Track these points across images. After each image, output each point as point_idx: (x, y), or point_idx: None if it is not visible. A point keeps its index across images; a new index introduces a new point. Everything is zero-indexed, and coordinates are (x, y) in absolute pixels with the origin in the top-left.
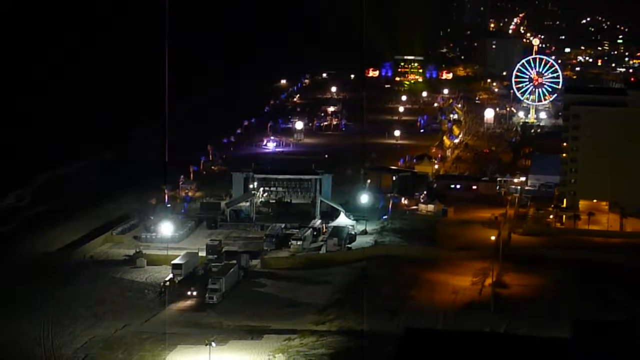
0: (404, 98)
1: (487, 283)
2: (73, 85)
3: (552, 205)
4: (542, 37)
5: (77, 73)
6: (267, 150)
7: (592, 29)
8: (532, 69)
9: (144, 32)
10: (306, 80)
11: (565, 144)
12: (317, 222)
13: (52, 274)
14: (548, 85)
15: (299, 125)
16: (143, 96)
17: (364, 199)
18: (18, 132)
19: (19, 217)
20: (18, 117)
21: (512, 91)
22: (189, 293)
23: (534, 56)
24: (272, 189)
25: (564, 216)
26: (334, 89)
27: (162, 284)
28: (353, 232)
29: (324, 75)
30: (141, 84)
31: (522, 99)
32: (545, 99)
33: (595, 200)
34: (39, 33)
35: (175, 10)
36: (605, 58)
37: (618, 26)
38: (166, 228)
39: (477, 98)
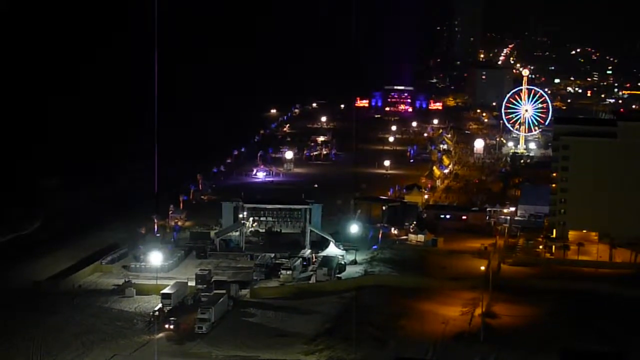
0: (393, 128)
1: (477, 313)
2: (67, 109)
3: (542, 236)
4: (532, 67)
5: (70, 98)
6: (257, 180)
7: (582, 60)
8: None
9: (133, 55)
10: (296, 110)
11: (554, 174)
12: (307, 252)
13: (42, 302)
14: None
15: (289, 154)
16: (130, 125)
17: (354, 228)
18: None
19: (11, 246)
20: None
21: (501, 121)
22: (166, 325)
23: (523, 87)
24: (261, 218)
25: (553, 246)
26: (324, 118)
27: (151, 313)
28: (343, 262)
29: (314, 105)
30: (129, 112)
31: (511, 129)
32: (534, 130)
33: (584, 231)
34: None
35: (163, 39)
36: (595, 89)
37: (607, 57)
38: (155, 257)
39: (467, 128)
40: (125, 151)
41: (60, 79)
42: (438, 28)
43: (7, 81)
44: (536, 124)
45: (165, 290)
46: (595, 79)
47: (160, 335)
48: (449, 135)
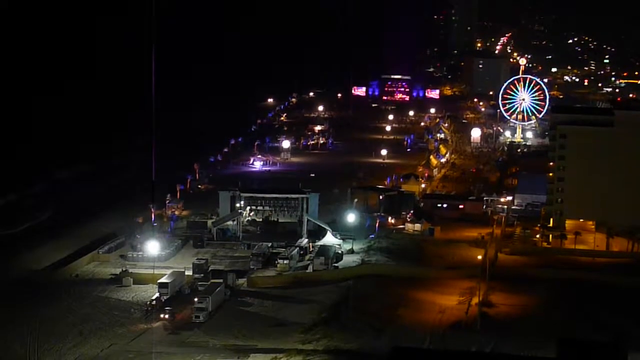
0: (390, 117)
1: (474, 302)
2: (67, 99)
3: (539, 225)
4: (529, 56)
5: (70, 87)
6: (254, 169)
7: (579, 49)
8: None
9: (131, 45)
10: (293, 99)
11: (551, 163)
12: (304, 241)
13: (39, 292)
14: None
15: (286, 144)
16: (127, 114)
17: (351, 218)
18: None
19: (6, 235)
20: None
21: (498, 110)
22: (161, 315)
23: (520, 76)
24: (258, 207)
25: (550, 235)
26: (321, 107)
27: (148, 302)
28: (340, 251)
29: (311, 94)
30: (126, 102)
31: (508, 118)
32: (531, 119)
33: (581, 220)
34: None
35: (163, 28)
36: (592, 78)
37: (604, 46)
38: (152, 247)
39: (463, 117)
40: (127, 144)
41: (65, 74)
42: (435, 17)
43: (13, 77)
44: (533, 113)
45: (162, 280)
46: (592, 67)
47: (157, 324)
48: (446, 125)
